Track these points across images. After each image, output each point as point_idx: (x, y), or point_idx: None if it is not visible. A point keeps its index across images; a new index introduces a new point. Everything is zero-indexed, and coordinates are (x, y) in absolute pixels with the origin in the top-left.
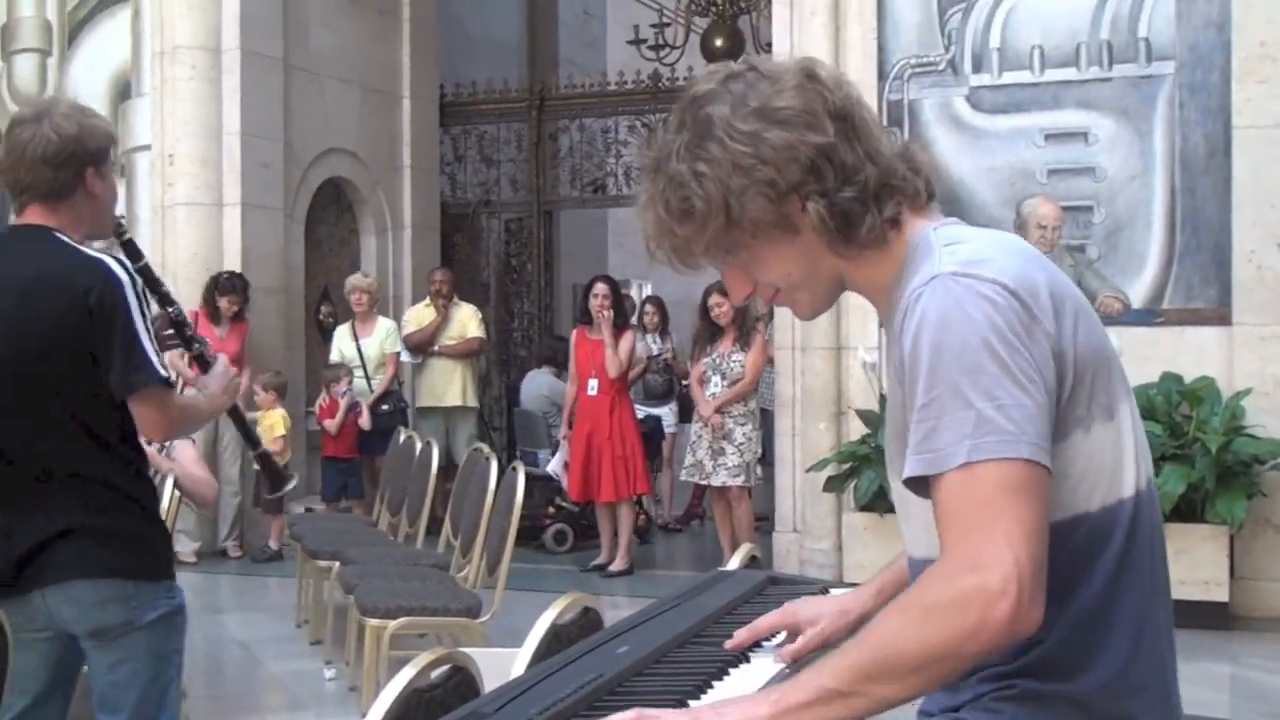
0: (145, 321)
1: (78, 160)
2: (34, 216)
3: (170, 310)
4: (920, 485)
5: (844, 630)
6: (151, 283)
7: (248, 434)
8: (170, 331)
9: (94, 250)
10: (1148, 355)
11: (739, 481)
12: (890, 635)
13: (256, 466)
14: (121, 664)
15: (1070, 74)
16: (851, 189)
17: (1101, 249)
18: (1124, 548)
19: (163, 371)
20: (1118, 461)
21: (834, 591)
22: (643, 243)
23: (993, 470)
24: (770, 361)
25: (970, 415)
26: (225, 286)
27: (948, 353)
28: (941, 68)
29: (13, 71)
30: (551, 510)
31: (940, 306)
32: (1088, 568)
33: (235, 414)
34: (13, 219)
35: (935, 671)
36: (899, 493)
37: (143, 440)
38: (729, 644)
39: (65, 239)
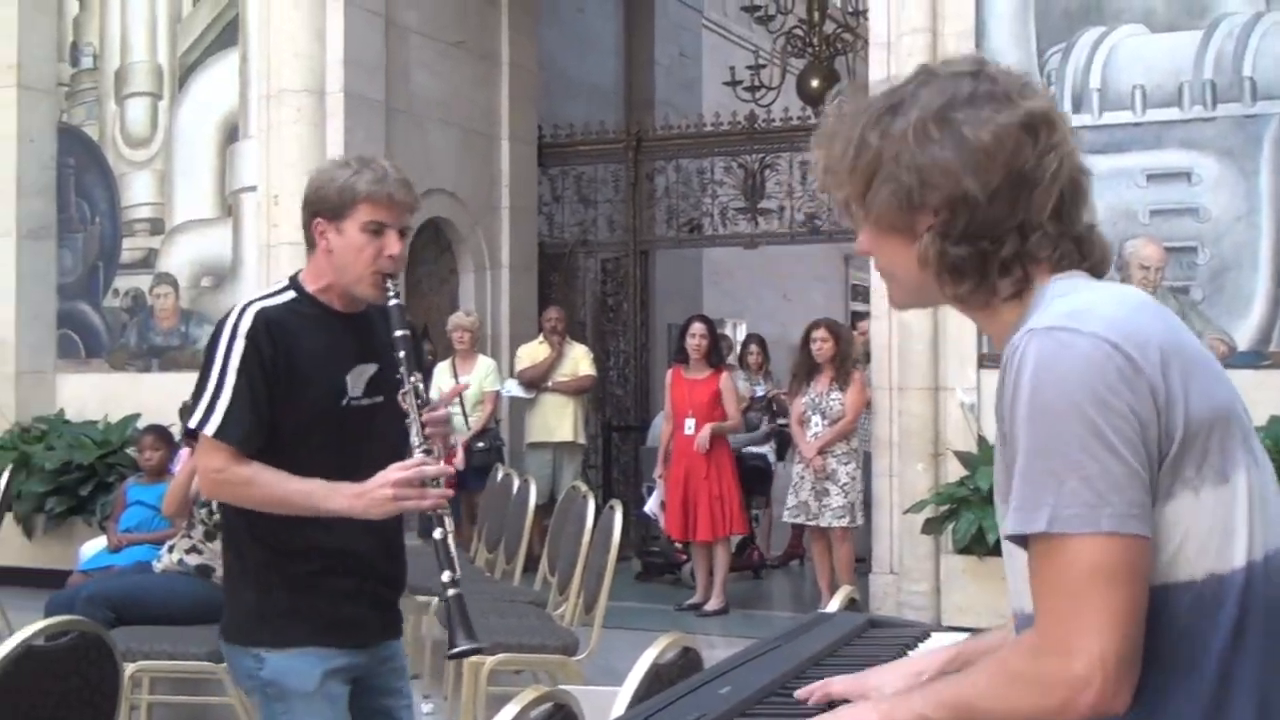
0: (235, 373)
1: (308, 207)
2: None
3: (405, 388)
4: (1021, 543)
5: None
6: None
7: (447, 565)
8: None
9: (260, 297)
10: (1255, 399)
11: (844, 522)
12: (983, 688)
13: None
14: None
15: (1173, 114)
16: (970, 248)
17: (1206, 290)
18: (1237, 620)
19: (212, 426)
20: (1228, 528)
21: (934, 635)
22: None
23: (1077, 547)
24: (867, 404)
25: (1053, 483)
26: None
27: (1036, 414)
28: None
29: (125, 115)
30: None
31: (1033, 364)
32: (1196, 638)
33: (444, 550)
34: None
35: None
36: (1005, 544)
37: None
38: (800, 693)
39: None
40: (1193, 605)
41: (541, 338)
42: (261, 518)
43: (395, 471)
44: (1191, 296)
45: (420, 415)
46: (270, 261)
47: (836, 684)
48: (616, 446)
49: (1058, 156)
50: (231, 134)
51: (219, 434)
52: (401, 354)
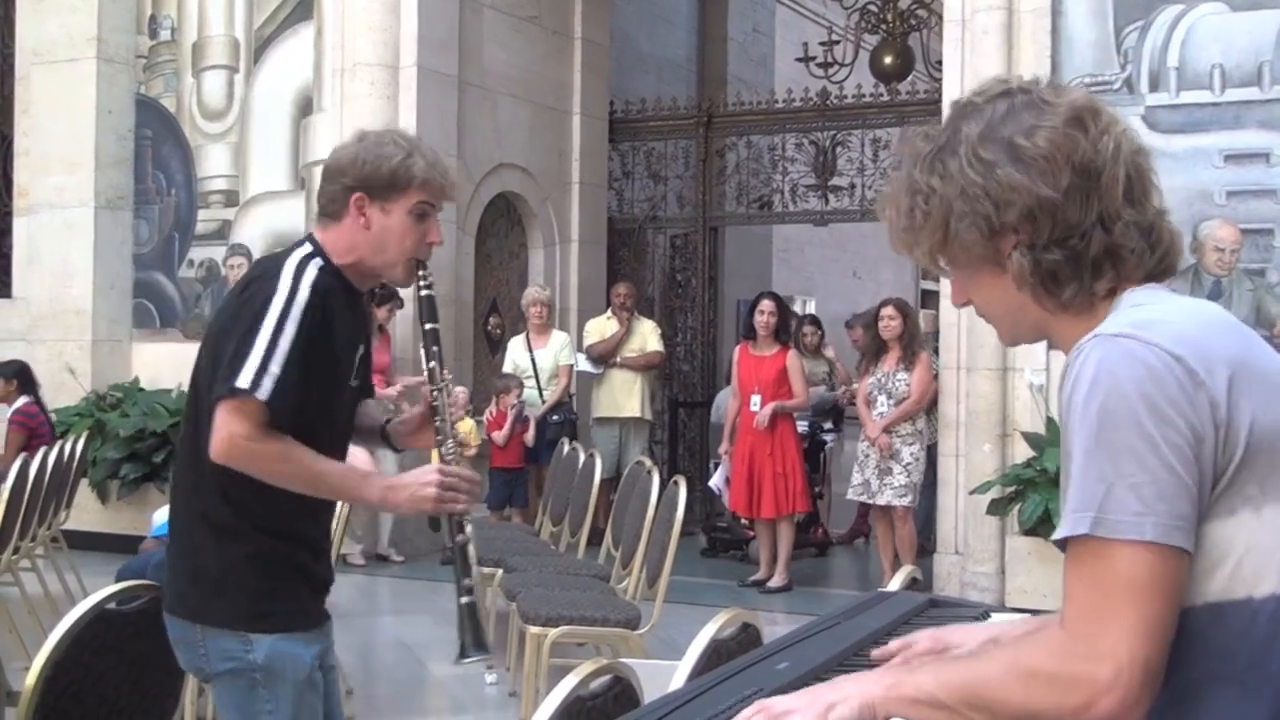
0: (291, 337)
1: (351, 182)
2: (316, 230)
3: (436, 383)
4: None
5: None
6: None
7: (465, 572)
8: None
9: (305, 255)
10: None
11: (905, 502)
12: (1000, 677)
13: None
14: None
15: (1252, 94)
16: (1062, 250)
17: None
18: None
19: (265, 391)
20: None
21: (994, 616)
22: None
23: (1118, 553)
24: (934, 402)
25: (1101, 488)
26: (381, 297)
27: (1093, 418)
28: (1117, 87)
29: (202, 88)
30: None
31: (1094, 368)
32: (1253, 656)
33: (464, 554)
34: None
35: None
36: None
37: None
38: (875, 653)
39: (297, 247)
40: (1250, 623)
41: (610, 313)
42: (264, 501)
43: (437, 473)
44: (1267, 279)
45: (450, 415)
46: None
47: (917, 644)
48: (683, 422)
49: (1112, 139)
50: (305, 107)
51: (270, 400)
52: (435, 349)
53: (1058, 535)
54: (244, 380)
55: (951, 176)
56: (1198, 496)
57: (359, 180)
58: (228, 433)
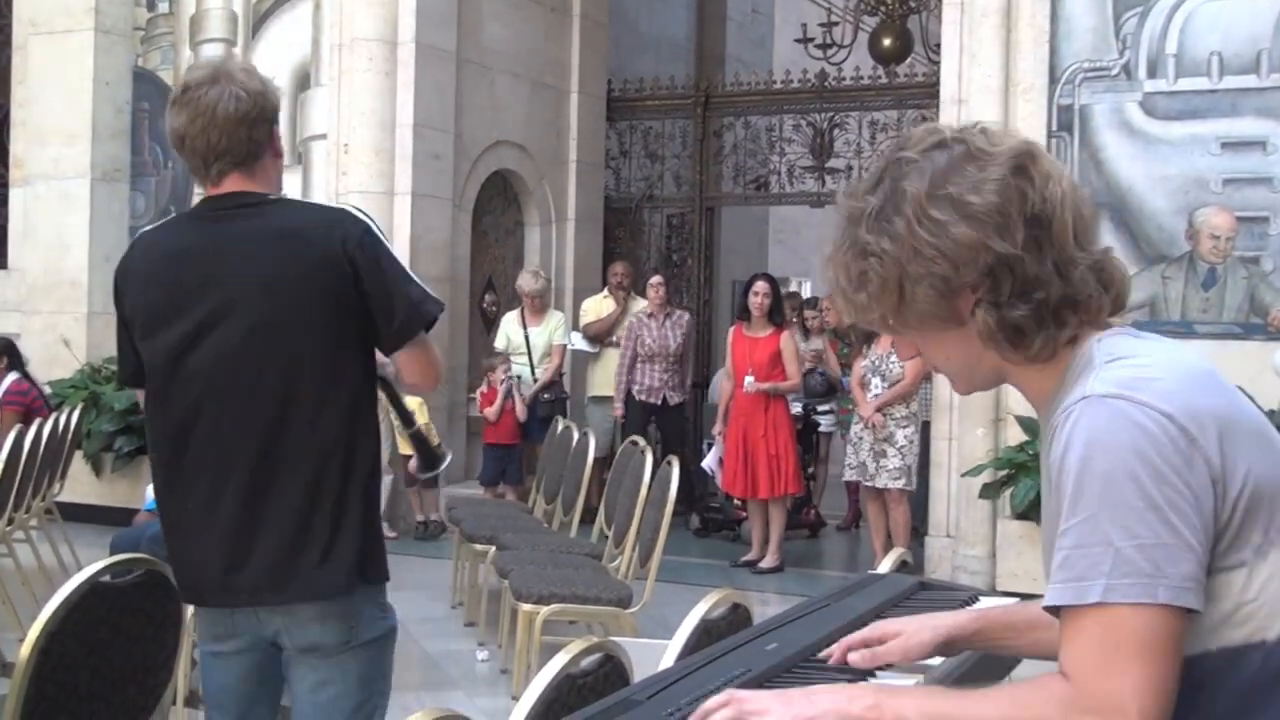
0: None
1: (266, 118)
2: (233, 185)
3: None
4: (1056, 612)
5: (927, 646)
6: None
7: (403, 413)
8: None
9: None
10: None
11: (900, 484)
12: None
13: (408, 447)
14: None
15: (1250, 81)
16: (1026, 306)
17: (1277, 261)
18: None
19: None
20: None
21: (982, 600)
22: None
23: (1128, 616)
24: (928, 377)
25: (1108, 553)
26: None
27: (1091, 482)
28: (1115, 72)
29: (200, 61)
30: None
31: (1089, 431)
32: (1267, 700)
33: (389, 391)
34: (205, 190)
35: None
36: (1045, 564)
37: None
38: (825, 653)
39: (281, 197)
40: (1262, 666)
41: (606, 292)
42: (376, 456)
43: None
44: (1262, 267)
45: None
46: None
47: (855, 637)
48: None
49: (1055, 183)
50: (303, 82)
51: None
52: None
53: (1060, 602)
54: (433, 309)
55: (900, 238)
56: (1202, 556)
57: (275, 113)
58: (438, 358)
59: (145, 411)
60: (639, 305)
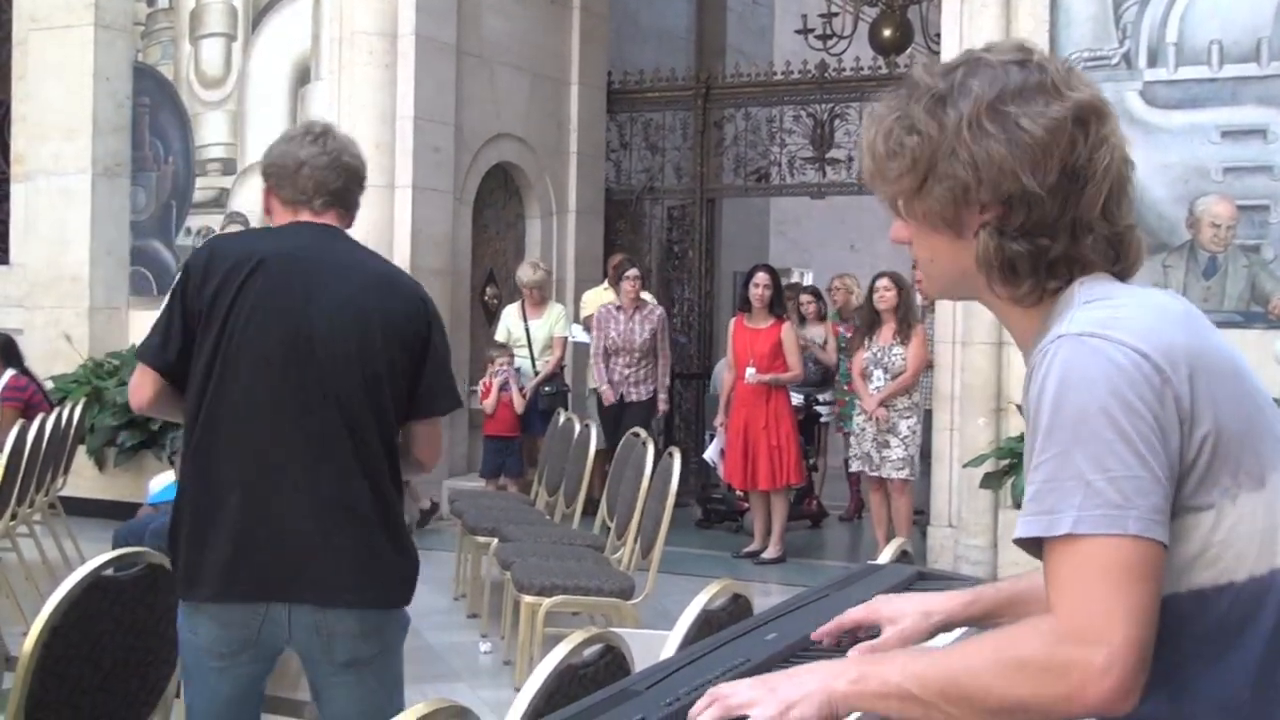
0: None
1: (363, 182)
2: (332, 220)
3: None
4: (1029, 546)
5: (924, 632)
6: None
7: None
8: None
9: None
10: None
11: (903, 474)
12: (980, 669)
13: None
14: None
15: (1250, 69)
16: (1028, 244)
17: (1278, 249)
18: (1277, 620)
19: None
20: (1270, 530)
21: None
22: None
23: (1101, 546)
24: (929, 365)
25: (1079, 485)
26: None
27: (1064, 416)
28: (1115, 62)
29: (200, 55)
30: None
31: (1063, 367)
32: (1236, 641)
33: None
34: (303, 216)
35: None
36: None
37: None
38: (815, 634)
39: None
40: (1230, 607)
41: (606, 284)
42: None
43: None
44: (1262, 255)
45: None
46: None
47: (851, 614)
48: (679, 394)
49: (1108, 151)
50: (304, 75)
51: None
52: None
53: (1029, 533)
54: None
55: (946, 130)
56: (1169, 492)
57: None
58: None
59: (197, 401)
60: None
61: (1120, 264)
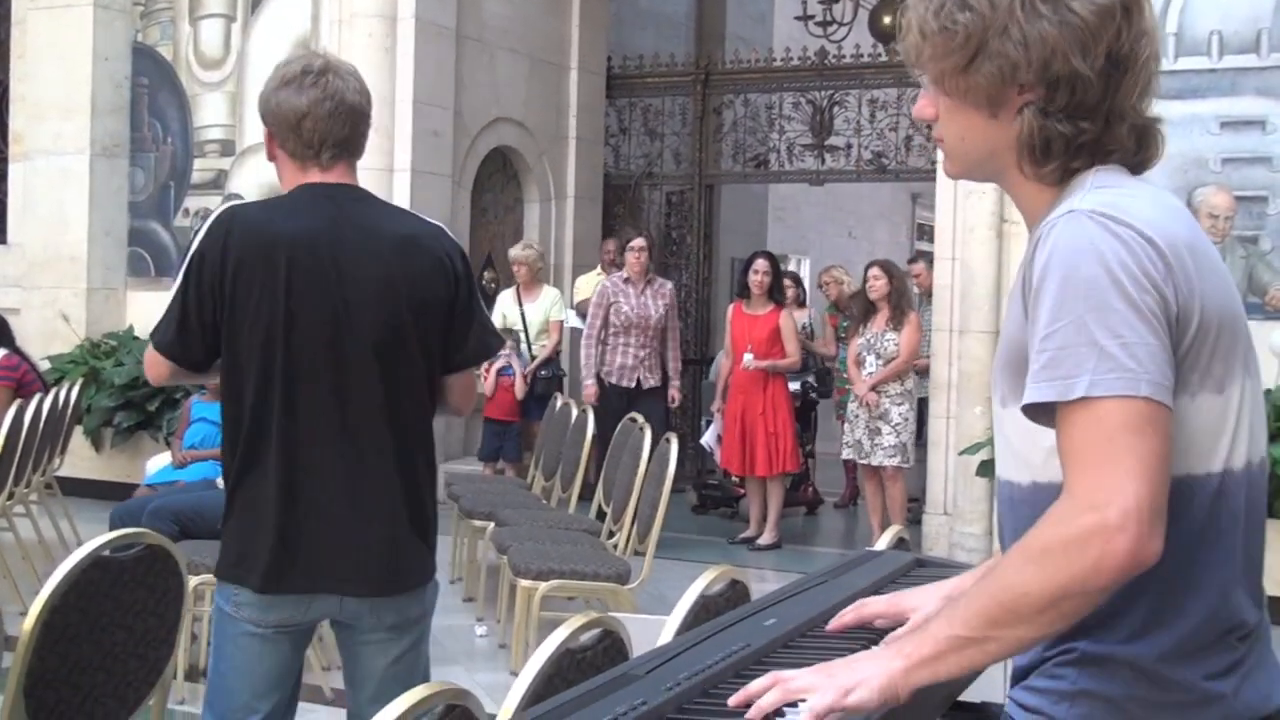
0: None
1: (369, 117)
2: (341, 175)
3: None
4: (1039, 414)
5: None
6: None
7: None
8: None
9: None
10: None
11: (895, 462)
12: (1013, 579)
13: None
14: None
15: (1250, 60)
16: (1070, 125)
17: (1275, 241)
18: (1205, 522)
19: None
20: (1215, 435)
21: None
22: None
23: (1114, 408)
24: (924, 371)
25: (1093, 350)
26: None
27: (1075, 286)
28: None
29: (199, 36)
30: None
31: (1072, 239)
32: (1218, 539)
33: None
34: (312, 175)
35: (1065, 609)
36: (996, 415)
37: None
38: (832, 625)
39: (374, 195)
40: (1214, 500)
41: (600, 269)
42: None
43: None
44: (1260, 246)
45: None
46: None
47: (871, 605)
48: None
49: (1148, 42)
50: None
51: None
52: None
53: (1043, 398)
54: (498, 343)
55: (1000, 9)
56: (1174, 366)
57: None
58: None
59: (237, 387)
60: None
61: (1141, 154)
